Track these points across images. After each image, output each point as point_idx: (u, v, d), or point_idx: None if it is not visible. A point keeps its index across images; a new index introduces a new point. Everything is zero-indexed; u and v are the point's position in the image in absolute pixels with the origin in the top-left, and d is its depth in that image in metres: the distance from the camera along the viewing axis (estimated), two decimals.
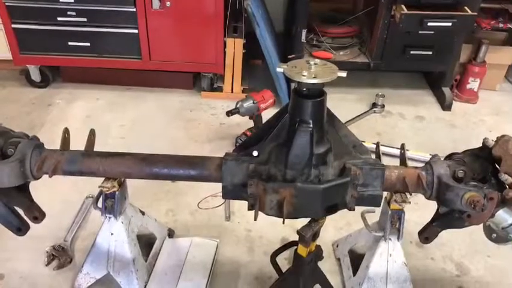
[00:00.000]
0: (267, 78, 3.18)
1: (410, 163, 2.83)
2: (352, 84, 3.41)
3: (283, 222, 1.37)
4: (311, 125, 1.38)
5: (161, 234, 2.00)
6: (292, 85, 2.97)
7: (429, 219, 1.62)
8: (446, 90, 3.31)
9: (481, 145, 1.69)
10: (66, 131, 1.64)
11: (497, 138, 1.60)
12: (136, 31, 2.91)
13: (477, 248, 2.13)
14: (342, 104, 3.23)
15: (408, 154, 2.72)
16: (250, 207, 1.45)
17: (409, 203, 1.62)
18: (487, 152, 1.61)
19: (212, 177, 1.57)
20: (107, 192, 1.62)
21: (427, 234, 1.68)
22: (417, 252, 2.12)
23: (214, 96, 3.23)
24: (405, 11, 2.71)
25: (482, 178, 1.59)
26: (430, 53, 3.05)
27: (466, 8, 2.75)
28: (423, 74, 3.66)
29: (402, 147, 1.68)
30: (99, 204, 1.69)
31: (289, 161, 1.40)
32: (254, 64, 3.50)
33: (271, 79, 3.07)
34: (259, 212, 1.42)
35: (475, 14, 2.73)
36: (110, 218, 1.69)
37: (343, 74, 1.34)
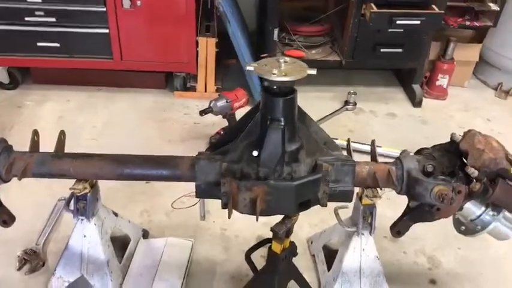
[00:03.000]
0: (241, 78, 3.19)
1: (382, 159, 2.89)
2: (325, 83, 3.46)
3: (257, 220, 1.39)
4: (282, 123, 1.39)
5: (135, 235, 1.99)
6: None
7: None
8: (416, 87, 3.38)
9: (449, 140, 1.75)
10: (35, 133, 1.62)
11: (464, 133, 1.65)
12: (107, 31, 2.87)
13: (448, 241, 2.19)
14: (316, 102, 3.27)
15: (380, 150, 2.82)
16: (224, 206, 1.46)
17: (380, 197, 1.66)
18: (455, 146, 1.66)
19: (185, 177, 1.58)
20: (79, 194, 1.60)
21: (398, 228, 1.72)
22: (390, 246, 2.17)
23: (188, 96, 3.22)
24: (375, 9, 2.76)
25: (451, 172, 1.64)
26: (400, 50, 3.12)
27: (433, 6, 2.82)
28: (394, 72, 3.73)
29: (373, 143, 1.72)
30: (71, 206, 1.67)
31: (261, 159, 1.42)
32: (229, 64, 3.50)
33: (244, 78, 3.09)
34: (233, 211, 1.43)
35: (443, 12, 2.81)
36: (82, 220, 1.68)
37: (313, 71, 1.37)
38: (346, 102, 3.26)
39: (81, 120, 2.92)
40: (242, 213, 1.45)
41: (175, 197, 2.32)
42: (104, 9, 2.79)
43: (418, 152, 1.79)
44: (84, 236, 1.70)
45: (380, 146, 2.80)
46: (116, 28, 2.86)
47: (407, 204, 1.67)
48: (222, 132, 2.64)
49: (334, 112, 3.18)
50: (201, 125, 2.93)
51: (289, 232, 1.56)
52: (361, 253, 1.80)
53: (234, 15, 2.88)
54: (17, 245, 1.97)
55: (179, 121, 2.98)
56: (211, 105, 2.47)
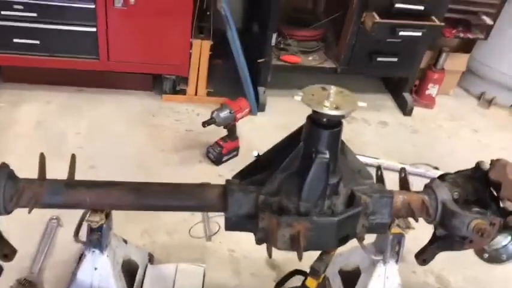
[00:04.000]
0: (230, 80, 3.10)
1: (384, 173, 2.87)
2: None
3: (300, 259, 1.32)
4: (327, 156, 1.33)
5: (143, 261, 1.87)
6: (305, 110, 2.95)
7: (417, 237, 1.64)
8: (407, 95, 3.40)
9: (473, 166, 1.74)
10: (42, 157, 1.46)
11: (491, 161, 1.64)
12: (94, 29, 2.68)
13: (456, 260, 2.20)
14: (307, 110, 3.20)
15: (378, 162, 2.81)
16: (259, 242, 1.38)
17: (414, 228, 1.63)
18: (481, 174, 1.65)
19: (214, 207, 1.48)
20: (94, 227, 1.47)
21: (425, 256, 1.71)
22: (400, 266, 2.16)
23: (177, 100, 3.08)
24: (377, 19, 2.73)
25: (476, 200, 1.64)
26: (396, 59, 3.12)
27: (433, 17, 2.82)
28: (382, 79, 3.74)
29: (403, 171, 1.68)
30: (82, 236, 1.53)
31: (303, 193, 1.34)
32: (215, 64, 3.37)
33: (235, 80, 2.99)
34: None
35: (443, 24, 2.82)
36: (94, 251, 1.54)
37: (363, 104, 1.31)
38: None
39: (64, 125, 2.72)
40: (280, 249, 1.37)
41: (174, 215, 2.21)
42: (93, 6, 2.59)
43: (441, 177, 1.78)
44: (95, 268, 1.56)
45: (378, 158, 2.80)
46: (105, 27, 2.67)
47: (434, 232, 1.66)
48: (221, 143, 2.54)
49: None
50: (194, 132, 2.81)
51: (326, 268, 1.50)
52: (385, 281, 1.78)
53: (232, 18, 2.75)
54: (8, 274, 1.79)
55: (170, 128, 2.84)
56: (214, 115, 2.36)
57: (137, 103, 3.01)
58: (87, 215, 1.47)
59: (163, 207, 1.49)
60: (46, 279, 1.84)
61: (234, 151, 2.59)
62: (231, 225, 1.44)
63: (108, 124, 2.79)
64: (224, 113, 2.35)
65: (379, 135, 3.16)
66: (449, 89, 3.72)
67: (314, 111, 1.29)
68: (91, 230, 1.50)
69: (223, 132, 2.57)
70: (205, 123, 2.32)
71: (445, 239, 1.62)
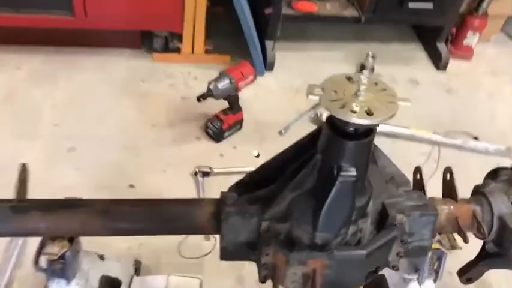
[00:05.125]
0: (232, 33, 2.75)
1: (412, 144, 2.57)
2: (333, 37, 3.04)
3: None
4: (354, 173, 1.02)
5: (127, 274, 1.63)
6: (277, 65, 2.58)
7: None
8: (441, 46, 3.02)
9: None
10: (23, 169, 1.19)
11: None
12: None
13: None
14: (325, 66, 2.86)
15: (408, 133, 2.49)
16: (263, 279, 1.12)
17: (461, 248, 1.35)
18: None
19: (205, 230, 1.21)
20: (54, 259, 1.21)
21: (471, 275, 1.44)
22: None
23: (171, 60, 2.74)
24: None
25: None
26: (431, 5, 2.70)
27: None
28: (412, 26, 3.31)
29: (448, 171, 1.36)
30: (42, 263, 1.28)
31: (320, 221, 1.05)
32: (215, 12, 2.98)
33: (238, 33, 2.63)
34: None
35: None
36: (59, 282, 1.30)
37: (407, 103, 0.98)
38: (363, 66, 2.84)
39: (37, 97, 2.42)
40: None
41: None
42: None
43: (494, 173, 1.48)
44: None
45: (407, 128, 2.48)
46: None
47: (484, 246, 1.38)
48: (221, 117, 2.22)
49: None
50: (191, 100, 2.47)
51: None
52: None
53: None
54: None
55: (163, 96, 2.53)
56: (211, 87, 2.03)
57: (124, 65, 2.68)
58: (45, 244, 1.21)
59: (140, 231, 1.23)
60: None
61: (237, 125, 2.29)
62: (227, 256, 1.18)
63: (90, 94, 2.48)
64: (223, 84, 2.03)
65: (408, 96, 2.79)
66: (490, 35, 3.29)
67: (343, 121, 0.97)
68: (52, 260, 1.25)
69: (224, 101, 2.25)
70: (200, 98, 2.00)
71: (498, 257, 1.34)
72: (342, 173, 1.01)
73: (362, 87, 0.95)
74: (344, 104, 0.93)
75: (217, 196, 2.12)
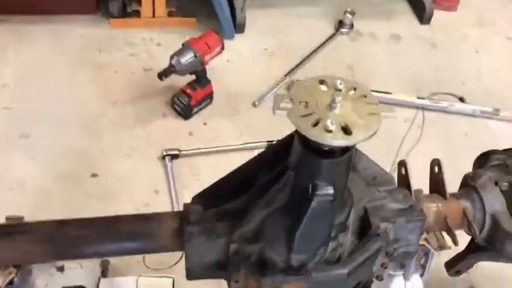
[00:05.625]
0: None
1: (395, 109, 2.44)
2: None
3: None
4: (332, 191, 0.90)
5: (92, 279, 1.53)
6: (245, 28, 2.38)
7: None
8: None
9: None
10: None
11: None
12: None
13: None
14: (303, 23, 2.68)
15: (391, 98, 2.37)
16: None
17: (449, 248, 1.26)
18: None
19: (167, 248, 1.10)
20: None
21: (459, 268, 1.38)
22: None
23: (130, 25, 2.53)
24: None
25: None
26: None
27: None
28: None
29: (436, 163, 1.25)
30: None
31: (296, 242, 0.95)
32: None
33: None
34: None
35: None
36: None
37: (391, 113, 0.85)
38: (341, 24, 2.68)
39: None
40: None
41: (134, 199, 1.83)
42: None
43: (484, 157, 1.39)
44: None
45: (390, 93, 2.35)
46: None
47: (472, 240, 1.31)
48: (188, 91, 2.06)
49: (327, 40, 2.61)
50: (155, 72, 2.27)
51: None
52: None
53: None
54: None
55: (123, 67, 2.34)
56: (173, 62, 1.86)
57: (78, 33, 2.46)
58: None
59: (93, 255, 1.11)
60: None
61: (207, 99, 2.14)
62: (194, 276, 1.08)
63: (42, 69, 2.29)
64: (187, 58, 1.86)
65: (390, 54, 2.67)
66: None
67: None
68: None
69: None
70: (162, 75, 1.83)
71: (488, 250, 1.27)
72: (318, 192, 0.90)
73: (338, 98, 0.81)
74: (317, 120, 0.80)
75: (189, 181, 1.98)
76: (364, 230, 1.06)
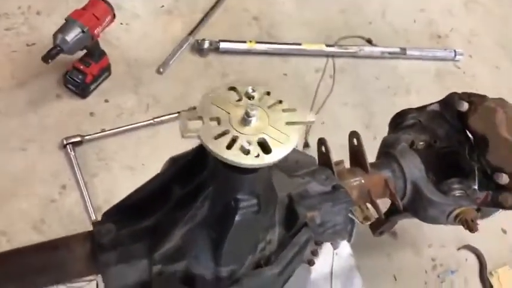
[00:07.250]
0: None
1: (305, 60, 2.43)
2: None
3: None
4: (255, 201, 0.87)
5: None
6: None
7: None
8: None
9: (442, 99, 1.40)
10: None
11: (471, 101, 1.29)
12: None
13: None
14: None
15: (300, 48, 2.33)
16: None
17: (374, 219, 1.29)
18: (455, 113, 1.32)
19: (82, 274, 1.03)
20: None
21: (383, 229, 1.45)
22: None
23: None
24: None
25: (449, 152, 1.33)
26: None
27: None
28: None
29: (356, 136, 1.24)
30: None
31: (223, 255, 0.92)
32: None
33: None
34: None
35: None
36: None
37: (311, 118, 0.81)
38: None
39: None
40: None
41: (41, 194, 1.69)
42: None
43: (399, 117, 1.43)
44: None
45: (300, 44, 2.31)
46: None
47: (393, 203, 1.36)
48: (81, 67, 1.88)
49: None
50: (38, 47, 2.05)
51: None
52: (334, 257, 1.52)
53: None
54: None
55: (1, 45, 2.06)
56: (59, 41, 1.66)
57: None
58: None
59: None
60: None
61: (104, 72, 1.96)
62: None
63: None
64: (73, 35, 1.66)
65: (296, 1, 2.58)
66: None
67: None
68: None
69: None
70: (48, 58, 1.63)
71: (412, 211, 1.32)
72: (242, 205, 0.85)
73: (252, 111, 0.74)
74: (233, 139, 0.73)
75: (98, 169, 1.83)
76: (291, 219, 1.05)
